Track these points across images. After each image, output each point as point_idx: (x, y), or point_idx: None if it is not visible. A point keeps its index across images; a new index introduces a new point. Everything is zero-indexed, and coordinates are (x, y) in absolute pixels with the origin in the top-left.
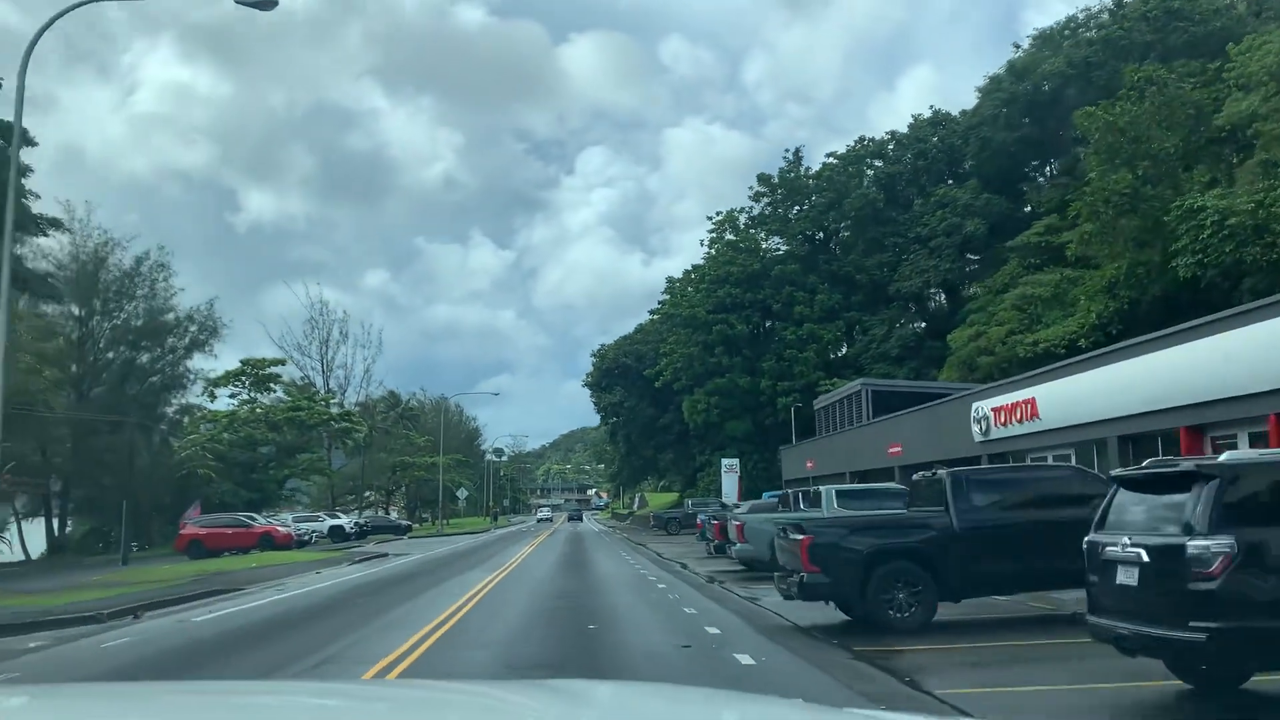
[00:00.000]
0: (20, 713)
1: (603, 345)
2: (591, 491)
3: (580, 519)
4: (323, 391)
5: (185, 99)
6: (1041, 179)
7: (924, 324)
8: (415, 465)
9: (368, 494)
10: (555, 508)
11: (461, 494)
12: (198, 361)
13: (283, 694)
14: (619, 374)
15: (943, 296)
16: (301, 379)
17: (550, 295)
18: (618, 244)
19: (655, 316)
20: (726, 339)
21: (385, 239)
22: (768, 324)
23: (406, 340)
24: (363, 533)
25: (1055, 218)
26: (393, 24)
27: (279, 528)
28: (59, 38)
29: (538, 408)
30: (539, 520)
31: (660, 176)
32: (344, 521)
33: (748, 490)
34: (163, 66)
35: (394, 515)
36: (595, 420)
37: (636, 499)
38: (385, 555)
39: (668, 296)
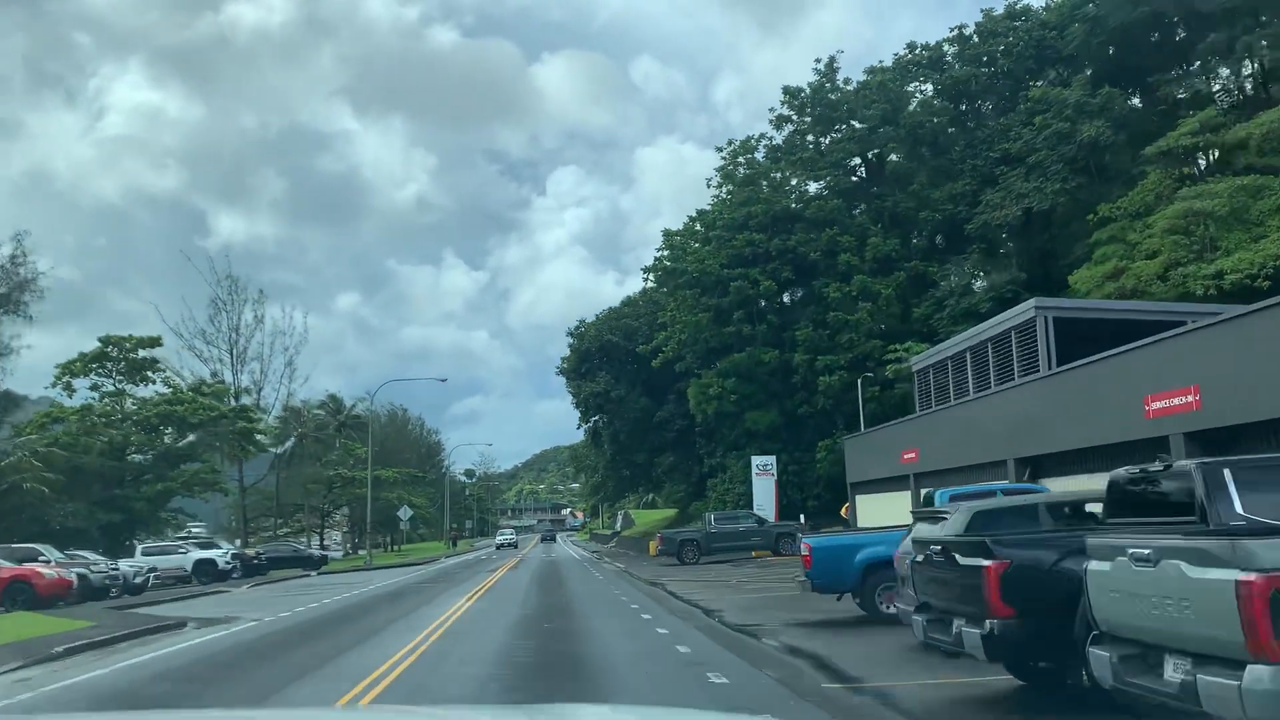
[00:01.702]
0: None
1: (581, 322)
2: (566, 511)
3: (553, 539)
4: (234, 389)
5: (155, 122)
6: (1185, 68)
7: (1023, 271)
8: (357, 481)
9: (298, 516)
10: (524, 530)
11: (404, 514)
12: (7, 328)
13: None
14: (603, 356)
15: (1049, 229)
16: (213, 377)
17: (523, 316)
18: (591, 264)
19: (650, 280)
20: (747, 301)
21: (357, 261)
22: (802, 280)
23: (380, 362)
24: (253, 568)
25: (1213, 111)
26: (365, 46)
27: (41, 570)
28: (23, 61)
29: (510, 428)
30: (500, 546)
31: (633, 196)
32: (217, 554)
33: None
34: (131, 90)
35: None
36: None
37: (619, 517)
38: (176, 626)
39: (665, 251)
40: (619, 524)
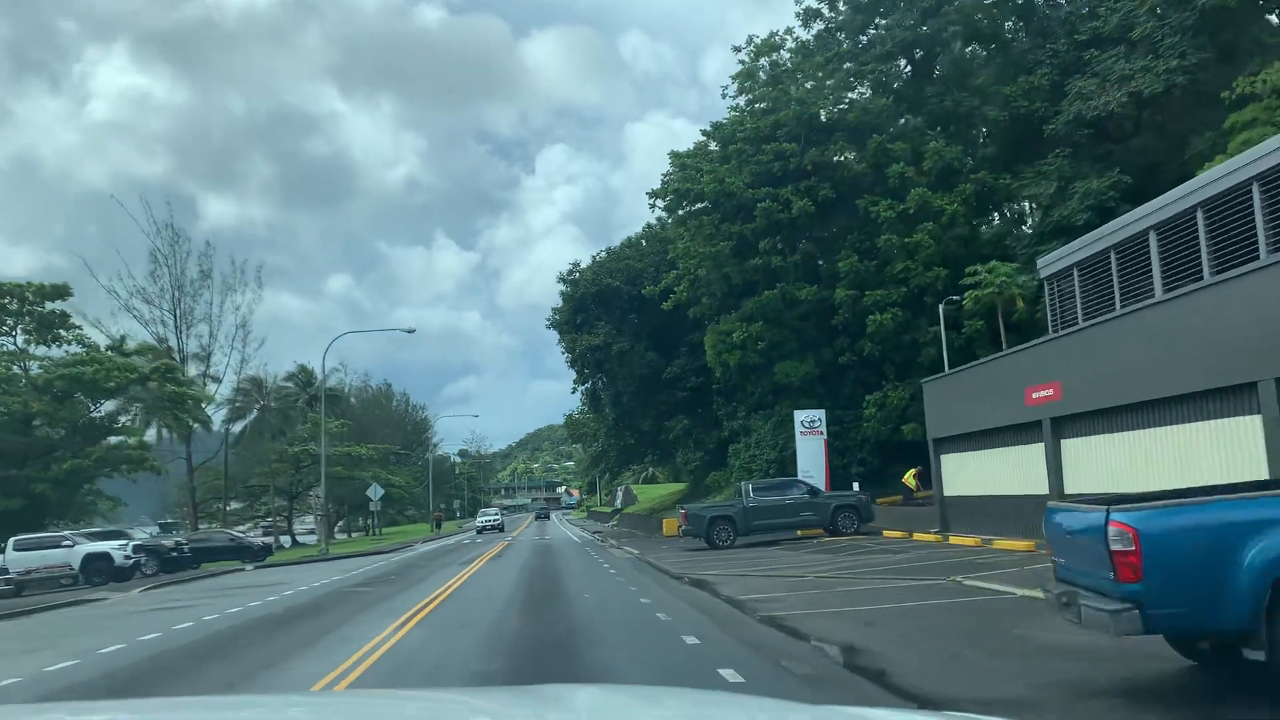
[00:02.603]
0: None
1: (574, 265)
2: (561, 489)
3: (548, 517)
4: (179, 354)
5: (141, 107)
6: None
7: (1127, 174)
8: (329, 459)
9: (264, 499)
10: (517, 510)
11: (374, 494)
12: None
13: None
14: (601, 304)
15: (1161, 118)
16: (160, 342)
17: (515, 296)
18: (583, 241)
19: (658, 207)
20: (777, 227)
21: (348, 244)
22: (844, 200)
23: (371, 344)
24: (172, 562)
25: None
26: (352, 25)
27: None
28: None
29: (504, 408)
30: (481, 530)
31: (624, 173)
32: (114, 547)
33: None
34: (117, 74)
35: (294, 526)
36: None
37: (619, 493)
38: None
39: (675, 172)
40: (619, 500)
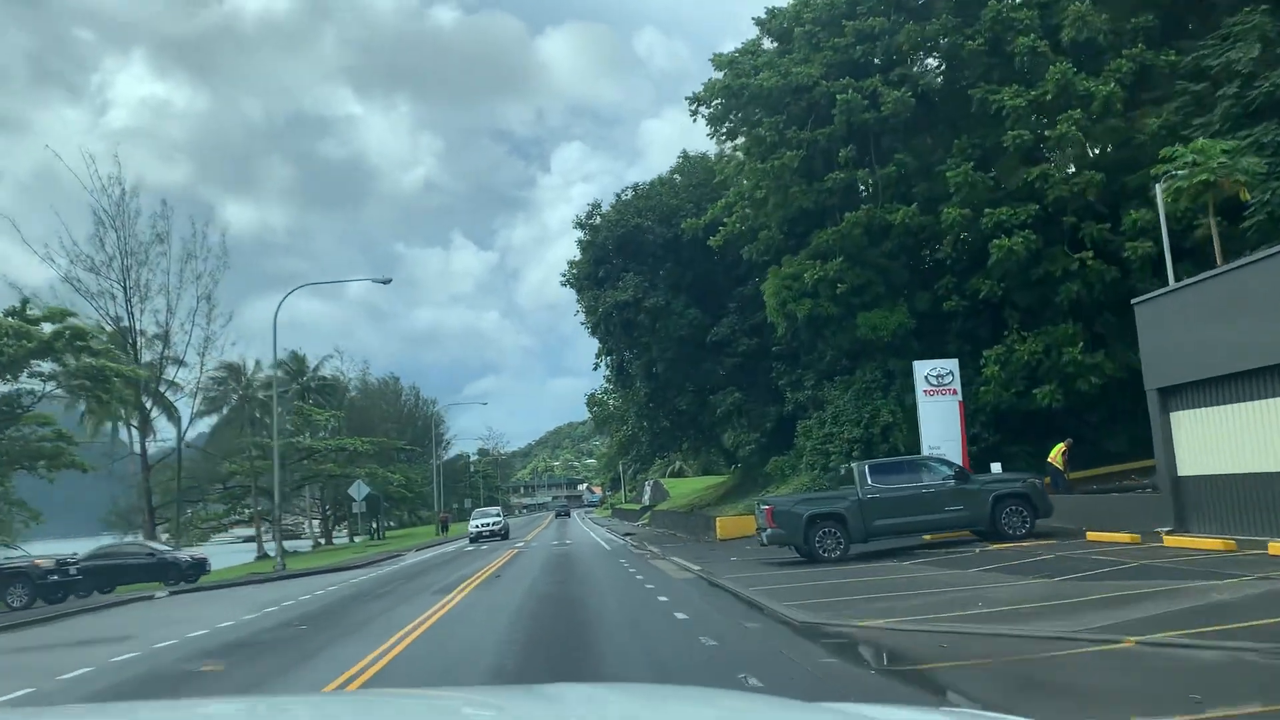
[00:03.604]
0: None
1: (594, 207)
2: (583, 487)
3: (567, 515)
4: (135, 334)
5: (160, 115)
6: None
7: None
8: (319, 453)
9: (245, 501)
10: (534, 508)
11: (357, 492)
12: None
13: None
14: (629, 250)
15: None
16: (115, 320)
17: (533, 295)
18: None
19: (700, 114)
20: (860, 131)
21: (366, 246)
22: (951, 87)
23: (391, 346)
24: (53, 587)
25: None
26: (366, 28)
27: None
28: (26, 58)
29: (524, 407)
30: (476, 539)
31: (640, 169)
32: None
33: (908, 444)
34: (136, 83)
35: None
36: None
37: (648, 488)
38: None
39: (720, 77)
40: (647, 496)
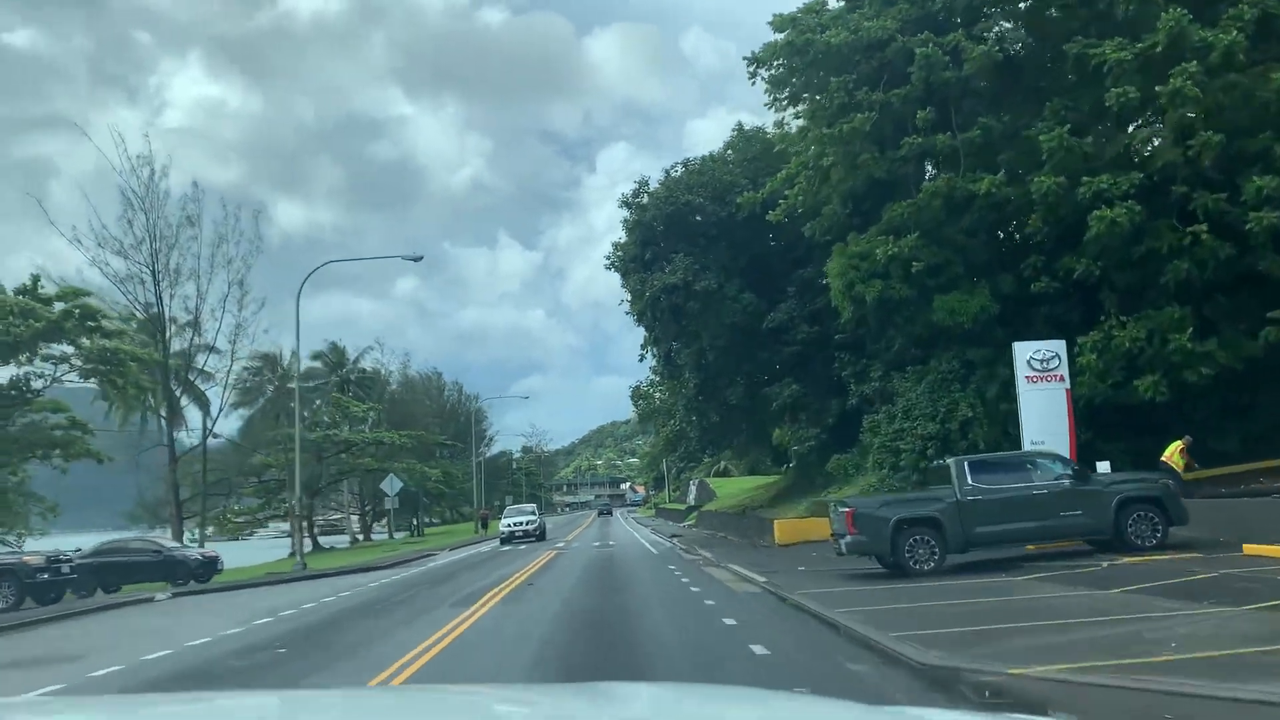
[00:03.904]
0: None
1: (641, 184)
2: (625, 485)
3: (610, 514)
4: (165, 321)
5: (214, 116)
6: None
7: None
8: (355, 445)
9: (282, 495)
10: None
11: (390, 487)
12: None
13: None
14: (679, 230)
15: None
16: (146, 308)
17: (578, 294)
18: None
19: (763, 76)
20: (939, 91)
21: (413, 245)
22: (1040, 39)
23: (438, 345)
24: (44, 586)
25: None
26: (416, 29)
27: None
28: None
29: (568, 405)
30: (507, 540)
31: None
32: None
33: (990, 442)
34: (191, 84)
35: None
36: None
37: (693, 488)
38: None
39: (781, 38)
40: (692, 496)
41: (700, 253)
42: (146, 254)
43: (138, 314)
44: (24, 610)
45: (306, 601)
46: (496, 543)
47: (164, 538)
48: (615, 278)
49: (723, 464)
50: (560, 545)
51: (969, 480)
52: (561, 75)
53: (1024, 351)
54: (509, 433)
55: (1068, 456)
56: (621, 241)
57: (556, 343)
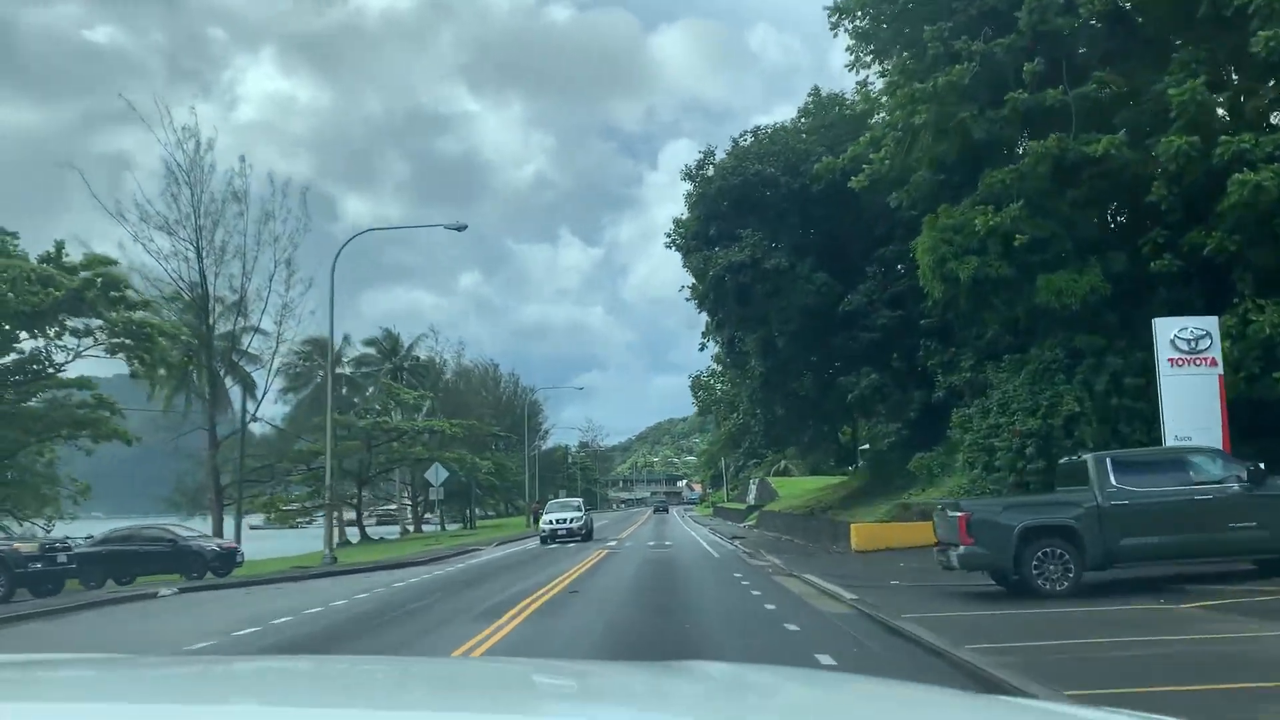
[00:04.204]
0: None
1: (707, 154)
2: (682, 483)
3: (666, 511)
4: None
5: (285, 111)
6: None
7: None
8: (406, 434)
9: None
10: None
11: (435, 476)
12: None
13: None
14: (746, 204)
15: None
16: (192, 288)
17: (638, 291)
18: None
19: (845, 28)
20: (1043, 40)
21: (477, 240)
22: None
23: (499, 340)
24: (37, 577)
25: None
26: (484, 25)
27: None
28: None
29: (626, 402)
30: (548, 539)
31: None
32: None
33: (1097, 441)
34: (264, 79)
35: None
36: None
37: (753, 487)
38: None
39: None
40: (752, 495)
41: (770, 229)
42: (191, 230)
43: (184, 294)
44: (14, 603)
45: (314, 607)
46: (533, 546)
47: (180, 526)
48: (676, 274)
49: (783, 463)
50: (612, 544)
51: (1112, 481)
52: (626, 71)
53: (1167, 329)
54: (565, 427)
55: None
56: (683, 217)
57: (616, 339)
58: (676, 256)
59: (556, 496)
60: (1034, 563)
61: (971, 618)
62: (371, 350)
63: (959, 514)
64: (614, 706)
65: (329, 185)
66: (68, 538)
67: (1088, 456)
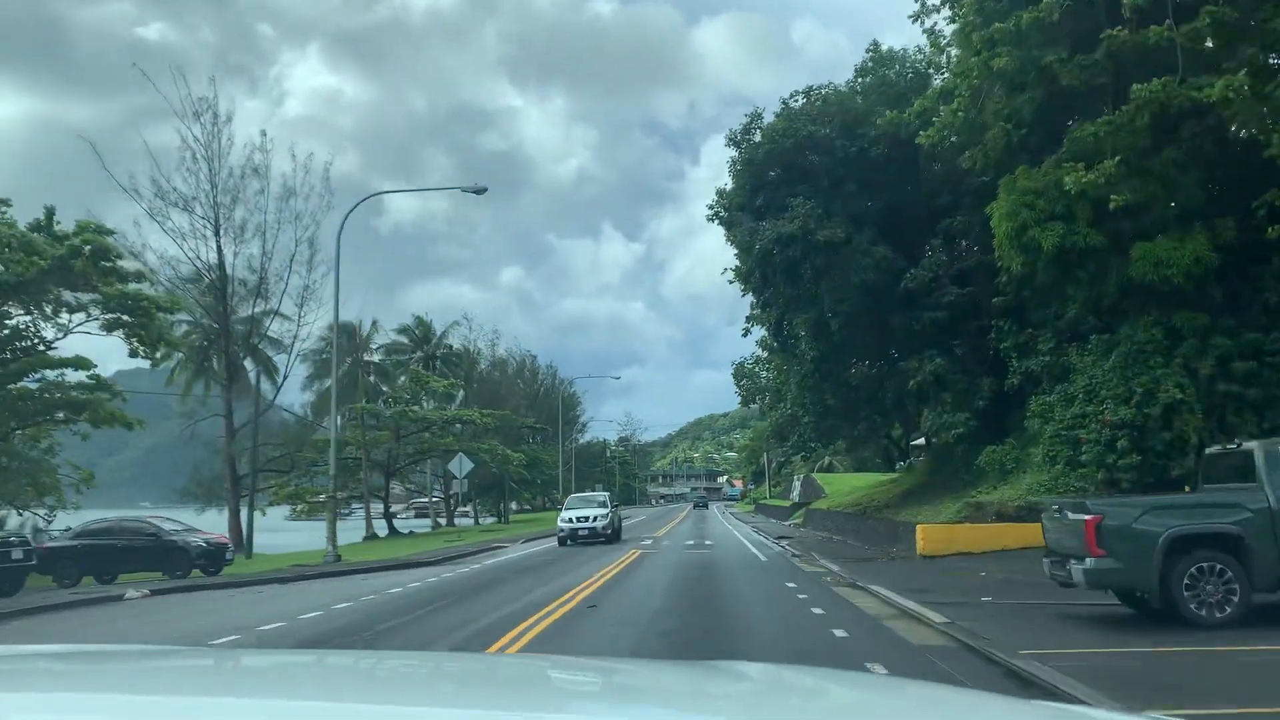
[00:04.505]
0: None
1: (754, 116)
2: (722, 479)
3: (705, 507)
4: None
5: (332, 106)
6: None
7: None
8: (435, 424)
9: (359, 475)
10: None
11: (458, 467)
12: None
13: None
14: (797, 170)
15: None
16: (209, 271)
17: (679, 286)
18: None
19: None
20: None
21: (519, 235)
22: None
23: (540, 334)
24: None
25: None
26: (527, 20)
27: None
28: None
29: (666, 397)
30: (568, 539)
31: None
32: None
33: (1201, 434)
34: (311, 75)
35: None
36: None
37: (797, 483)
38: None
39: None
40: (796, 492)
41: (823, 198)
42: (209, 207)
43: (203, 274)
44: None
45: (276, 620)
46: (553, 548)
47: (163, 518)
48: (717, 265)
49: (827, 459)
50: (646, 543)
51: None
52: (668, 66)
53: None
54: (603, 420)
55: None
56: (727, 188)
57: (656, 335)
58: (719, 252)
59: (594, 490)
60: (1187, 581)
61: (1118, 657)
62: (403, 338)
63: (1086, 517)
64: (652, 707)
65: (374, 179)
66: (51, 529)
67: (1254, 444)
